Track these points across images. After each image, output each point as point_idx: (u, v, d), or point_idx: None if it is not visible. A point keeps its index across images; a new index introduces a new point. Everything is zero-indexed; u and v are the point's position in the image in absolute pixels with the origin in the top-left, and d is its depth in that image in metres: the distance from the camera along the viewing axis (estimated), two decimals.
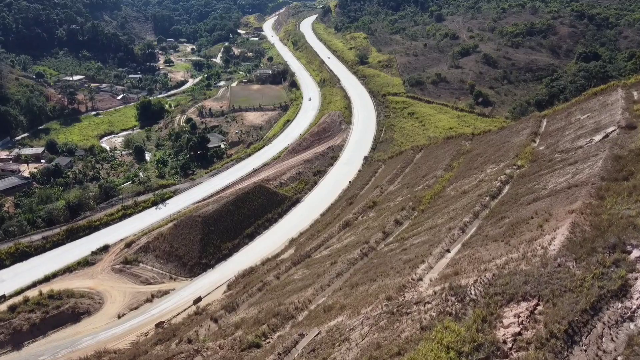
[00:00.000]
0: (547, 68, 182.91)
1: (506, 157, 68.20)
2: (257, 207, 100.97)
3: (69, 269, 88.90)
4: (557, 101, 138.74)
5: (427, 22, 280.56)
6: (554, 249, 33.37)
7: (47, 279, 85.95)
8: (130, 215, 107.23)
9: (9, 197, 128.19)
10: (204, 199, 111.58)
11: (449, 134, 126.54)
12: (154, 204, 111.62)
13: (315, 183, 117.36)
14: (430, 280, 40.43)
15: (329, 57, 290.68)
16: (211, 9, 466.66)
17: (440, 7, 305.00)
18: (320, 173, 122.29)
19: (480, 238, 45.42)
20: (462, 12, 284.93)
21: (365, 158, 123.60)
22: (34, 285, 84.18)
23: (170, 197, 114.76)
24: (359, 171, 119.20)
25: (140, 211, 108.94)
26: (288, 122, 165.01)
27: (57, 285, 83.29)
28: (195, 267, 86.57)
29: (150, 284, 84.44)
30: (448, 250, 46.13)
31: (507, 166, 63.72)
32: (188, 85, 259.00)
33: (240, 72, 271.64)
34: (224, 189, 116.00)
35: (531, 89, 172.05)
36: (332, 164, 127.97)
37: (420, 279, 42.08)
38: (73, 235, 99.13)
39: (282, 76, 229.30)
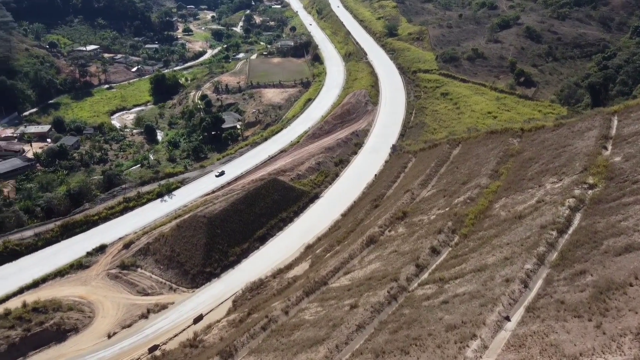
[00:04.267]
0: (597, 43, 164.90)
1: (570, 169, 55.12)
2: (271, 205, 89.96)
3: (60, 273, 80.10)
4: (612, 84, 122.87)
5: None
6: None
7: (35, 285, 77.43)
8: (132, 208, 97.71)
9: (11, 180, 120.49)
10: (213, 191, 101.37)
11: (488, 122, 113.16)
12: (159, 195, 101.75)
13: (337, 175, 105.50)
14: None
15: (338, 7, 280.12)
16: None
17: None
18: (342, 163, 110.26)
19: (553, 304, 33.39)
20: None
21: (393, 147, 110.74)
22: (20, 291, 75.82)
23: (177, 187, 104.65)
24: (386, 162, 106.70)
25: (143, 204, 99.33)
26: (309, 101, 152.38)
27: (45, 293, 74.63)
28: (198, 277, 76.60)
29: (147, 294, 74.97)
30: (507, 318, 34.42)
31: (575, 183, 50.79)
32: (206, 56, 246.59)
33: (261, 43, 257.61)
34: (235, 180, 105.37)
35: (579, 67, 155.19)
36: (355, 152, 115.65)
37: None
38: (69, 231, 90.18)
39: (305, 48, 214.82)
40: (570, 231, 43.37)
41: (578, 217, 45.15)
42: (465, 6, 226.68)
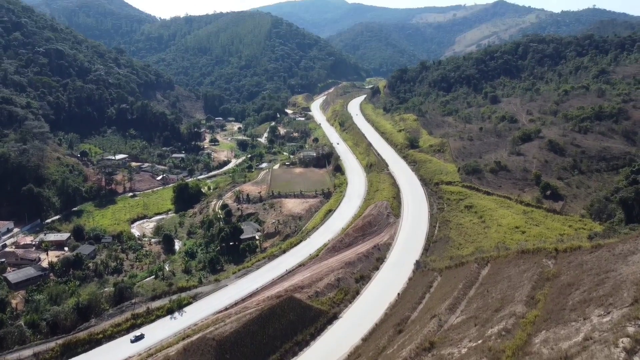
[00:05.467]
0: (623, 157, 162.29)
1: (618, 300, 48.97)
2: (286, 326, 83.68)
3: None
4: None
5: (481, 103, 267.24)
6: None
7: None
8: (140, 325, 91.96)
9: (22, 290, 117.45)
10: (226, 308, 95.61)
11: (517, 238, 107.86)
12: (169, 311, 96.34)
13: (357, 292, 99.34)
14: None
15: (357, 114, 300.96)
16: (261, 89, 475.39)
17: (494, 89, 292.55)
18: (363, 279, 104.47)
19: None
20: (519, 94, 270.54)
21: (417, 263, 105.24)
22: None
23: (189, 303, 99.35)
24: (410, 279, 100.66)
25: (152, 321, 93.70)
26: (330, 212, 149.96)
27: None
28: None
29: None
30: None
31: (626, 319, 44.50)
32: (230, 165, 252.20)
33: (284, 153, 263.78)
34: (250, 296, 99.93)
35: (606, 180, 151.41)
36: (377, 268, 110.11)
37: None
38: (70, 351, 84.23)
39: (327, 159, 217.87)
40: None
41: None
42: (485, 119, 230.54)
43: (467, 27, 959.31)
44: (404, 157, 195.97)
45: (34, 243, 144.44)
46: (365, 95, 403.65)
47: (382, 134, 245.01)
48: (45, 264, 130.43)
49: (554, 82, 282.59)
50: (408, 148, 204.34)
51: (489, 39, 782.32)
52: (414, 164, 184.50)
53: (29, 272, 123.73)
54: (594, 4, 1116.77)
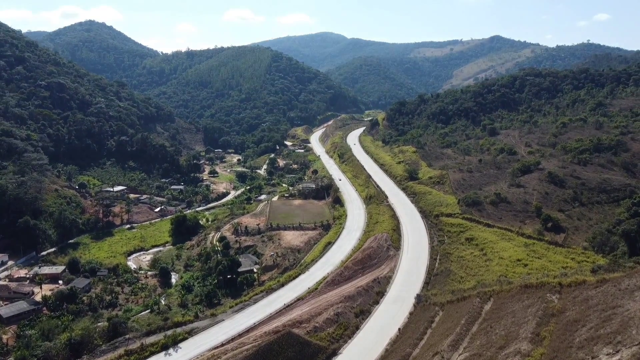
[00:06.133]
0: (623, 189, 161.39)
1: (627, 337, 47.43)
2: None
3: None
4: None
5: (480, 135, 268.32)
6: None
7: None
8: None
9: (13, 325, 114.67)
10: (222, 344, 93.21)
11: (519, 271, 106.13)
12: (164, 347, 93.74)
13: (357, 328, 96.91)
14: None
15: (355, 145, 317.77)
16: (261, 121, 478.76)
17: (492, 121, 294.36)
18: (363, 314, 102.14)
19: None
20: (517, 126, 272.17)
21: (418, 297, 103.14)
22: None
23: (184, 338, 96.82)
24: (411, 314, 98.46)
25: (146, 357, 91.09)
26: (329, 244, 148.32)
27: None
28: None
29: None
30: None
31: (637, 357, 43.00)
32: (229, 197, 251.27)
33: (283, 185, 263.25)
34: (247, 331, 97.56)
35: (608, 212, 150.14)
36: (377, 302, 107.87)
37: None
38: None
39: (326, 191, 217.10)
40: None
41: None
42: (483, 151, 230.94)
43: (464, 61, 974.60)
44: (404, 189, 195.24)
45: (28, 276, 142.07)
46: (364, 128, 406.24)
47: (382, 165, 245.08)
48: (38, 298, 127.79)
49: (551, 115, 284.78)
50: (407, 180, 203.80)
51: (486, 72, 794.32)
52: (413, 195, 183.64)
53: (21, 306, 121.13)
54: (589, 39, 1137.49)
